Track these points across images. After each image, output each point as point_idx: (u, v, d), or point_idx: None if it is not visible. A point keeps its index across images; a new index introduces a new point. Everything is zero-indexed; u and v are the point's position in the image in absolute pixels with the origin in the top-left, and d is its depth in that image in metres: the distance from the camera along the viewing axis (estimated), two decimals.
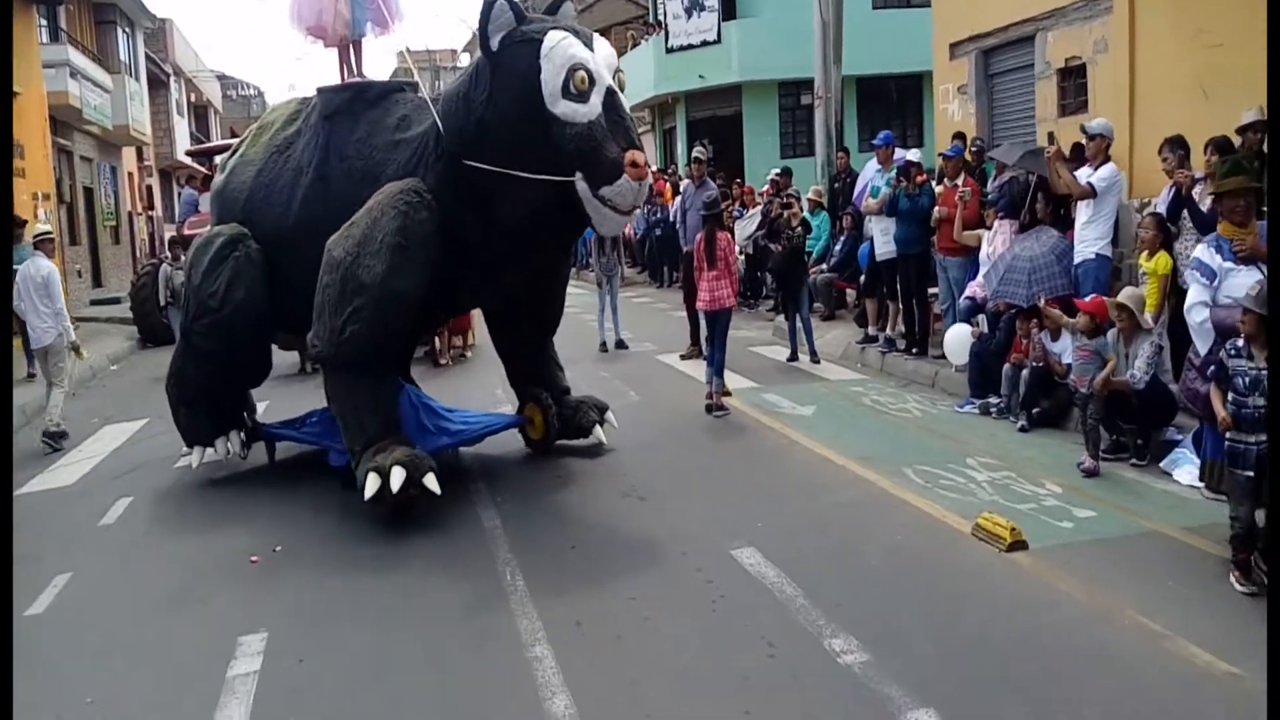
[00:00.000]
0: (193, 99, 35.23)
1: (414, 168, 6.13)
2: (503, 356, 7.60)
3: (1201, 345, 5.39)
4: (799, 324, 10.30)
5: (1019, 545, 5.05)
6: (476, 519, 6.00)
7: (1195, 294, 5.51)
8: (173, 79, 30.35)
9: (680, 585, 4.89)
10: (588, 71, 5.49)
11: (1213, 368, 4.83)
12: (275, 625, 4.72)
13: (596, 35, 5.92)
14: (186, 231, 16.37)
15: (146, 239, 28.81)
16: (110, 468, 8.03)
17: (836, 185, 13.12)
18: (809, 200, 12.50)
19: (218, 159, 20.72)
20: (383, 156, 6.32)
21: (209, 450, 7.32)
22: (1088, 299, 6.86)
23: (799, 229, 10.91)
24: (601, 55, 5.70)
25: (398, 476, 5.63)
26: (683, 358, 10.74)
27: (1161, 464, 6.17)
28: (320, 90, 6.84)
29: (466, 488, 6.64)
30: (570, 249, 7.60)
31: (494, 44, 5.68)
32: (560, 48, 5.52)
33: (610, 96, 5.57)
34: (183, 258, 12.41)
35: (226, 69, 50.97)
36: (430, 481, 5.75)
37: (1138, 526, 5.34)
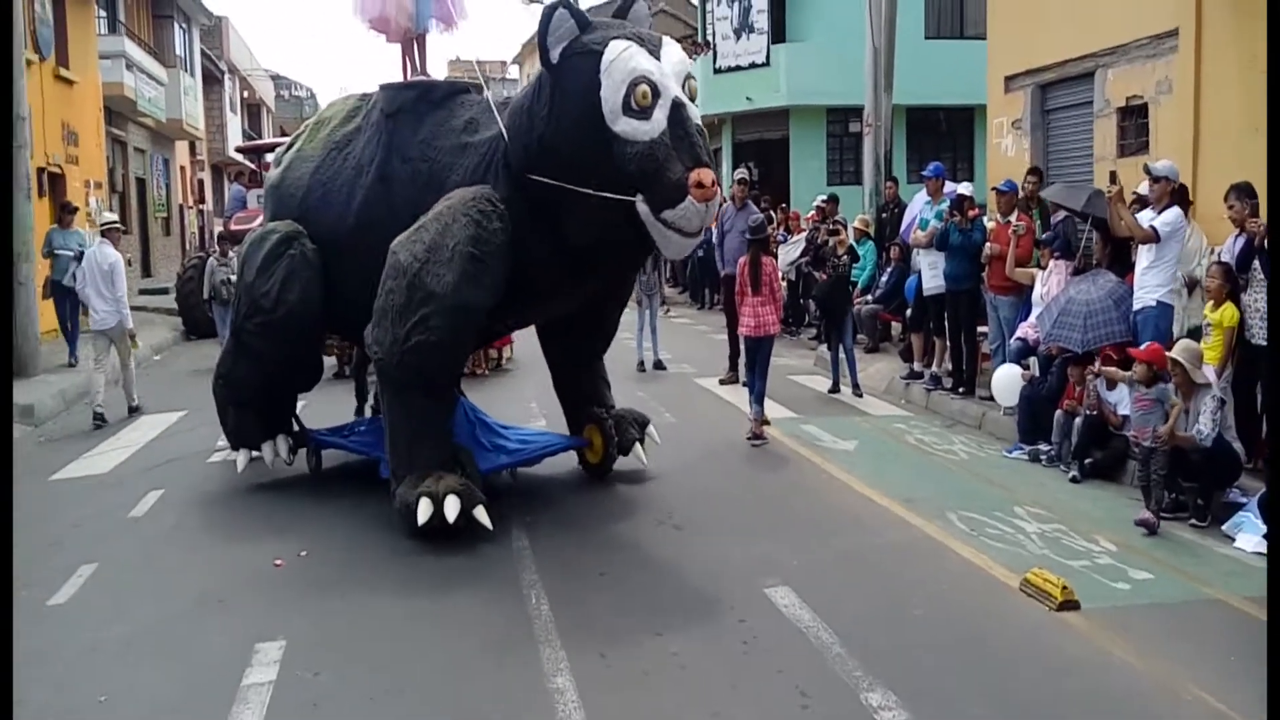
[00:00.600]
0: (245, 96, 35.71)
1: (483, 174, 5.90)
2: (552, 369, 7.34)
3: None
4: (842, 355, 10.09)
5: (1070, 605, 4.80)
6: (505, 538, 5.84)
7: None
8: (227, 76, 30.79)
9: (711, 622, 4.71)
10: (651, 84, 5.21)
11: None
12: (295, 634, 4.61)
13: (668, 39, 5.63)
14: (234, 227, 16.50)
15: (196, 232, 29.18)
16: (144, 459, 8.03)
17: (884, 215, 12.93)
18: (855, 229, 12.30)
19: (268, 156, 21.05)
20: (449, 160, 6.07)
21: (255, 454, 7.16)
22: (1144, 347, 6.61)
23: (845, 257, 10.71)
24: (670, 62, 5.40)
25: (452, 506, 5.46)
26: (721, 382, 10.56)
27: (1224, 527, 5.88)
28: (383, 87, 6.60)
29: (496, 504, 6.49)
30: (637, 270, 7.30)
31: (554, 56, 5.43)
32: (621, 60, 5.23)
33: (676, 110, 5.26)
34: (230, 253, 12.55)
35: (280, 69, 51.59)
36: (481, 515, 5.59)
37: (1198, 593, 5.07)
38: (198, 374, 11.95)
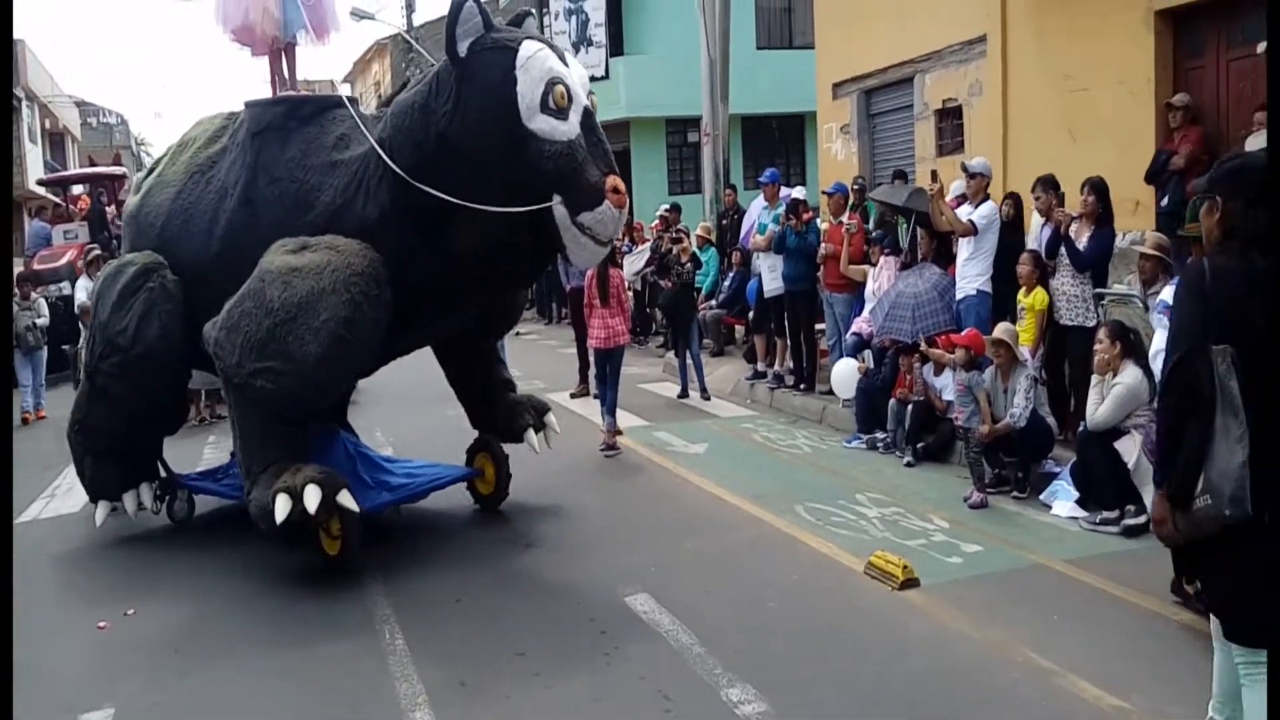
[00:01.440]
0: (48, 125, 33.45)
1: (353, 193, 5.57)
2: (443, 363, 6.91)
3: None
4: (689, 360, 10.27)
5: (911, 583, 5.04)
6: (355, 573, 5.62)
7: (1161, 340, 4.23)
8: (24, 103, 28.73)
9: (572, 637, 4.70)
10: (567, 87, 5.07)
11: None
12: (124, 701, 4.33)
13: (568, 52, 5.55)
14: (36, 266, 15.45)
15: None
16: None
17: (724, 222, 13.24)
18: (698, 236, 12.56)
19: (75, 189, 19.72)
20: (318, 180, 5.71)
21: (116, 505, 6.60)
22: (964, 333, 7.00)
23: (689, 265, 10.92)
24: (577, 74, 5.29)
25: (313, 496, 5.12)
26: (573, 396, 10.57)
27: (1041, 496, 6.29)
28: (248, 103, 6.19)
29: None
30: (534, 280, 6.94)
31: (461, 49, 5.17)
32: (538, 59, 5.09)
33: (589, 117, 5.16)
34: (33, 294, 11.76)
35: (86, 94, 48.64)
36: (346, 498, 5.29)
37: (1023, 560, 5.41)
38: None
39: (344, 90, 49.91)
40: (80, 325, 11.14)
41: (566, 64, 5.23)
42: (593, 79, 6.06)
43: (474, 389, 6.88)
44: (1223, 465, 2.82)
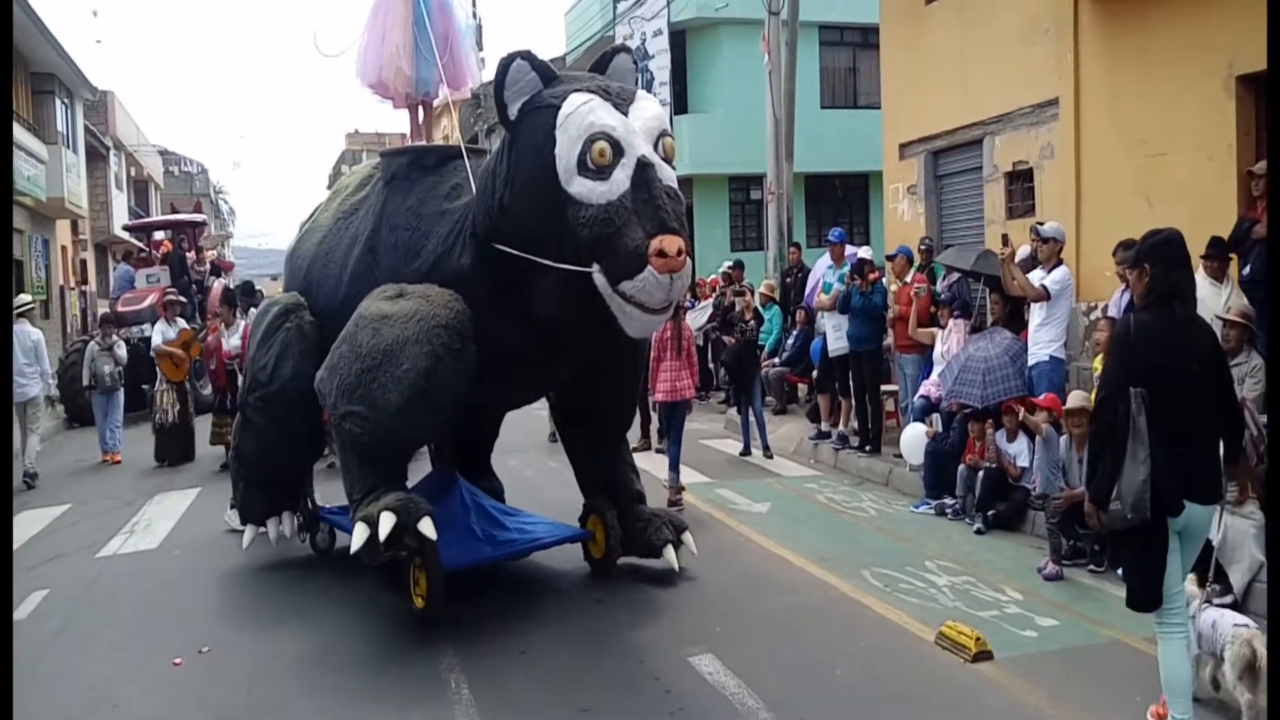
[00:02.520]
0: (133, 173, 34.76)
1: (452, 243, 5.58)
2: (570, 457, 6.78)
3: None
4: (751, 418, 10.22)
5: (984, 655, 4.91)
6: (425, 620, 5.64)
7: None
8: (112, 152, 29.94)
9: (636, 695, 4.65)
10: (611, 141, 4.74)
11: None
12: None
13: (642, 93, 5.21)
14: (120, 309, 15.98)
15: (79, 314, 28.01)
16: (26, 557, 7.54)
17: (788, 280, 13.24)
18: (761, 294, 12.57)
19: (157, 234, 20.40)
20: (428, 228, 5.74)
21: (261, 529, 6.89)
22: (1043, 398, 6.87)
23: (752, 321, 10.93)
24: (642, 118, 4.94)
25: (386, 523, 5.05)
26: (633, 450, 10.54)
27: (1120, 570, 6.10)
28: (382, 154, 6.43)
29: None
30: (628, 348, 6.09)
31: (512, 112, 5.05)
32: (578, 114, 4.79)
33: (642, 170, 4.76)
34: (115, 336, 12.12)
35: (169, 144, 50.63)
36: (426, 527, 5.13)
37: (1100, 636, 5.24)
38: (81, 466, 11.51)
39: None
40: (156, 367, 11.58)
41: (626, 110, 4.92)
42: None
43: (595, 490, 6.57)
44: (1129, 481, 3.78)
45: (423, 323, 5.30)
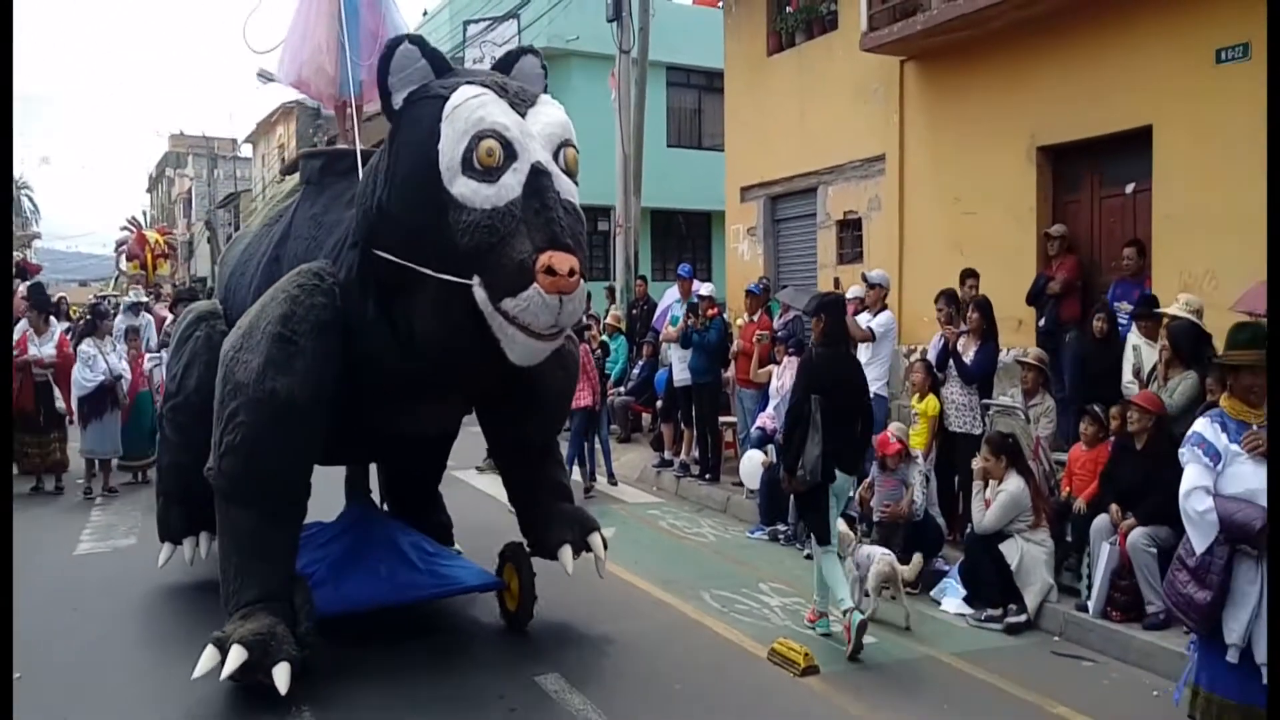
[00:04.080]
0: None
1: (338, 253, 5.07)
2: (500, 470, 6.30)
3: (1200, 541, 3.80)
4: (597, 445, 10.49)
5: (812, 670, 5.31)
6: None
7: (1195, 477, 3.85)
8: None
9: (481, 712, 4.79)
10: (502, 141, 4.25)
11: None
12: None
13: (546, 98, 4.72)
14: None
15: None
16: None
17: (634, 311, 13.64)
18: (608, 325, 12.92)
19: None
20: (324, 237, 5.29)
21: (178, 548, 6.49)
22: (890, 435, 7.38)
23: (598, 351, 11.23)
24: (542, 122, 4.49)
25: (234, 660, 4.47)
26: (479, 470, 10.63)
27: (932, 592, 6.69)
28: (300, 156, 6.04)
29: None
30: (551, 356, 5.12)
31: (396, 101, 4.54)
32: (466, 107, 4.30)
33: (536, 177, 4.29)
34: None
35: None
36: (280, 675, 4.49)
37: (915, 651, 5.75)
38: None
39: (245, 150, 48.69)
40: None
41: (524, 112, 4.47)
42: None
43: (518, 491, 6.07)
44: (810, 455, 5.64)
45: (278, 288, 4.94)
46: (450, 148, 4.27)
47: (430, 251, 4.39)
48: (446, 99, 4.38)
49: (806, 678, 5.25)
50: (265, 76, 24.85)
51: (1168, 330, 6.46)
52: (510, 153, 4.30)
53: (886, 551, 6.12)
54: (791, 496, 6.92)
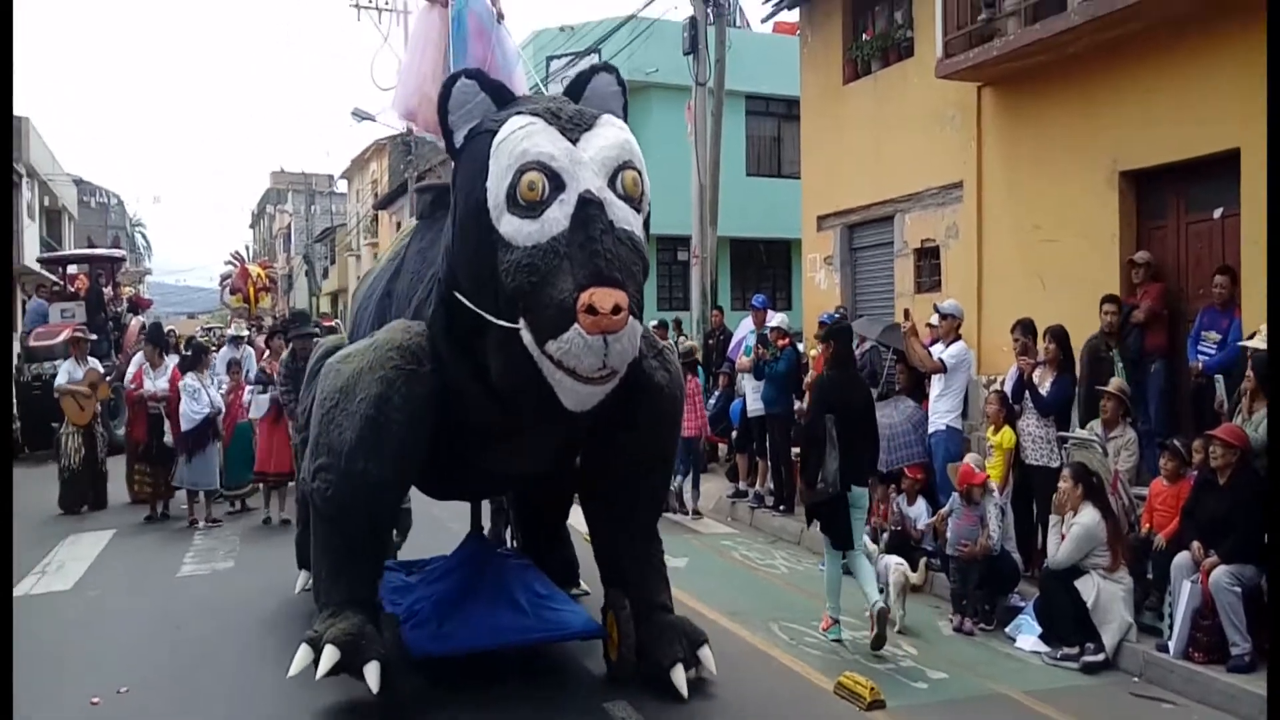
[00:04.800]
0: (46, 203, 33.69)
1: (429, 290, 5.00)
2: (590, 529, 5.88)
3: None
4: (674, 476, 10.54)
5: (878, 704, 5.27)
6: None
7: None
8: (24, 180, 28.96)
9: None
10: (547, 172, 4.06)
11: None
12: None
13: (607, 118, 4.47)
14: (33, 344, 15.56)
15: None
16: None
17: (710, 342, 13.69)
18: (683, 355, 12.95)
19: (71, 268, 19.89)
20: (424, 272, 5.17)
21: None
22: (972, 465, 7.27)
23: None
24: (597, 146, 4.24)
25: (327, 659, 4.63)
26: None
27: (1007, 629, 6.56)
28: (415, 189, 6.07)
29: None
30: (645, 407, 5.13)
31: (457, 139, 4.45)
32: (510, 140, 4.13)
33: (585, 208, 4.05)
34: (26, 370, 11.84)
35: (85, 173, 48.80)
36: (370, 674, 4.65)
37: (985, 689, 5.65)
38: None
39: (341, 186, 50.04)
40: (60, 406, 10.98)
41: (577, 137, 4.23)
42: None
43: (611, 580, 5.73)
44: (829, 469, 6.16)
45: (378, 349, 4.84)
46: (495, 185, 4.13)
47: (488, 294, 4.31)
48: (496, 132, 4.28)
49: (873, 711, 5.21)
50: (360, 115, 25.43)
51: (1251, 361, 6.25)
52: (557, 183, 4.10)
53: (901, 561, 6.81)
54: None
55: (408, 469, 4.91)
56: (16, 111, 27.39)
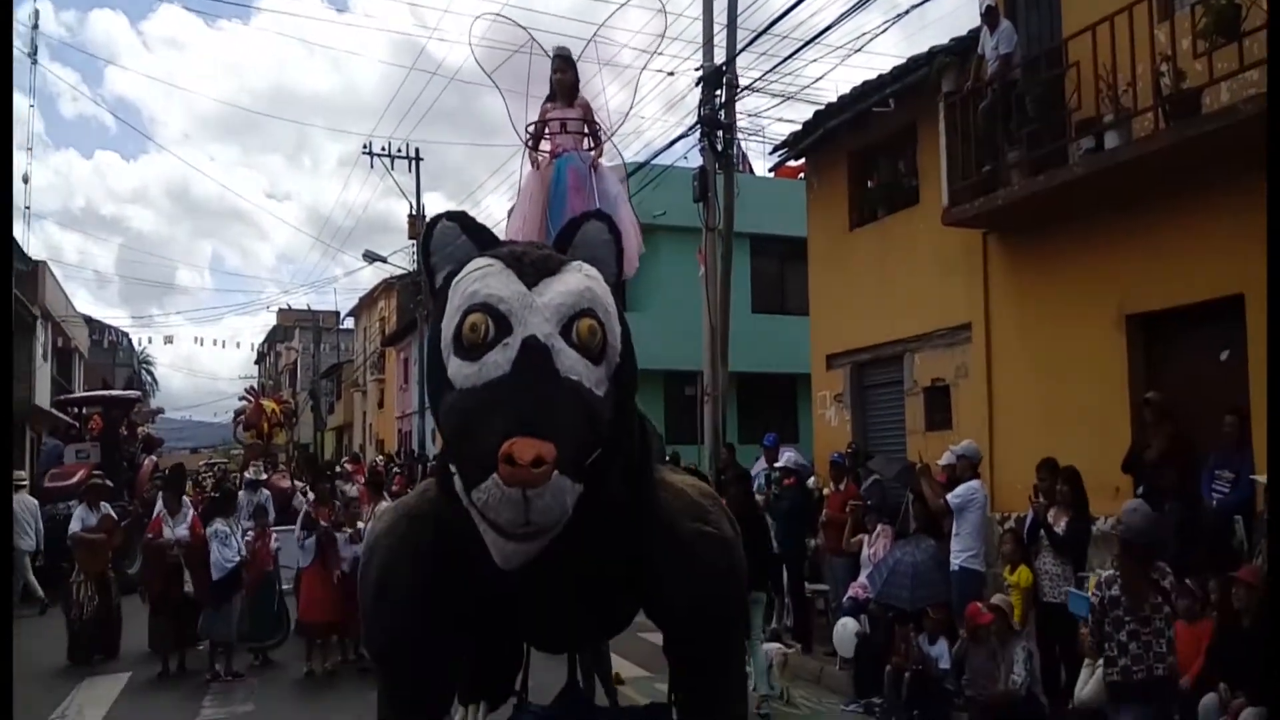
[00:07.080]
0: (59, 343, 33.72)
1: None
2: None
3: None
4: None
5: None
6: None
7: None
8: (39, 322, 28.98)
9: None
10: (493, 315, 3.78)
11: None
12: None
13: (577, 264, 4.22)
14: (48, 484, 15.38)
15: None
16: None
17: (722, 478, 13.75)
18: None
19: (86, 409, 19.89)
20: None
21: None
22: (980, 605, 7.26)
23: None
24: (554, 292, 3.88)
25: None
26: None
27: None
28: None
29: None
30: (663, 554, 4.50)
31: (437, 281, 4.29)
32: (466, 280, 3.94)
33: (528, 354, 3.72)
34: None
35: (94, 311, 49.19)
36: None
37: None
38: None
39: (348, 323, 50.49)
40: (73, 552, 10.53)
41: (535, 281, 3.88)
42: None
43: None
44: None
45: (396, 510, 4.73)
46: (446, 325, 3.90)
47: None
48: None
49: None
50: (372, 256, 26.07)
51: (1267, 500, 6.34)
52: (504, 327, 3.82)
53: (779, 646, 8.29)
54: None
55: (417, 630, 4.57)
56: (35, 255, 27.76)
